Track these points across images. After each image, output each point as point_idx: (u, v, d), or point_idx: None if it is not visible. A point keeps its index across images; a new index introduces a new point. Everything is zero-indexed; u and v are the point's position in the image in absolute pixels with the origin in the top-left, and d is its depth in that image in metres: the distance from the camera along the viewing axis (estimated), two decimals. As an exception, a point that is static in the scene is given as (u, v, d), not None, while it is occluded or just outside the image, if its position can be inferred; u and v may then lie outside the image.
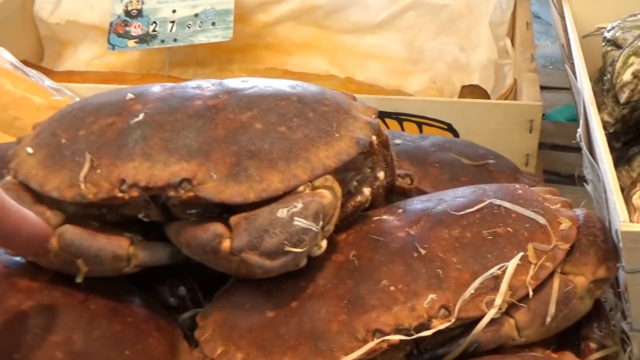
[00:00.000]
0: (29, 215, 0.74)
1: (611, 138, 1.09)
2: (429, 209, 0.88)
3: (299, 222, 0.78)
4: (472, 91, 1.48)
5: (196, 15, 1.55)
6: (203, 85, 0.89)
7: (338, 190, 0.83)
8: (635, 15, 1.17)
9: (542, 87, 1.42)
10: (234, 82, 0.90)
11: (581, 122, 1.02)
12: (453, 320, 0.79)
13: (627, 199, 0.95)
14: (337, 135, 0.84)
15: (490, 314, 0.80)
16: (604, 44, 1.16)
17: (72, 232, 0.83)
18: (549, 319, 0.81)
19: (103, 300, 0.87)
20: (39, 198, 0.84)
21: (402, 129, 1.30)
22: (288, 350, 0.80)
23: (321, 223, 0.80)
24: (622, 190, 0.92)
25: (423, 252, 0.83)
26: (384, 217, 0.89)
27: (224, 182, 0.80)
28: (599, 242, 0.86)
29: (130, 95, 0.88)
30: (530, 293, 0.81)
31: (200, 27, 1.54)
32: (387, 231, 0.86)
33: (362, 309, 0.80)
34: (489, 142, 1.16)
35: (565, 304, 0.82)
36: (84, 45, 1.68)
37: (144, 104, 0.87)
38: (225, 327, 0.84)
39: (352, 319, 0.80)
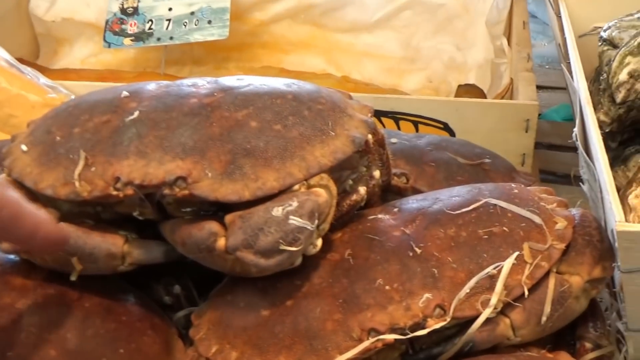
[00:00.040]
0: (45, 219, 0.75)
1: (607, 138, 1.09)
2: (424, 208, 0.88)
3: (294, 220, 0.78)
4: (469, 90, 1.48)
5: (192, 13, 1.55)
6: (198, 83, 0.89)
7: (333, 188, 0.83)
8: (631, 14, 1.17)
9: (539, 87, 1.42)
10: (229, 80, 0.90)
11: (577, 121, 1.02)
12: (448, 319, 0.79)
13: (623, 198, 0.95)
14: (333, 133, 0.84)
15: (486, 313, 0.80)
16: (600, 43, 1.16)
17: (67, 230, 0.82)
18: (544, 319, 0.81)
19: (97, 299, 0.87)
20: (33, 196, 0.84)
21: (398, 128, 1.30)
22: (283, 349, 0.80)
23: (316, 222, 0.79)
24: (618, 190, 0.92)
25: (418, 251, 0.83)
26: (380, 216, 0.89)
27: (219, 181, 0.80)
28: (595, 241, 0.86)
29: (125, 93, 0.88)
30: (526, 292, 0.81)
31: (196, 25, 1.54)
32: (382, 230, 0.86)
33: (357, 308, 0.80)
34: (485, 142, 1.16)
35: (561, 304, 0.82)
36: (79, 43, 1.68)
37: (139, 102, 0.86)
38: (220, 325, 0.84)
39: (347, 318, 0.80)
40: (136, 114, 0.85)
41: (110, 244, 0.83)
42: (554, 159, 1.47)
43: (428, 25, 1.64)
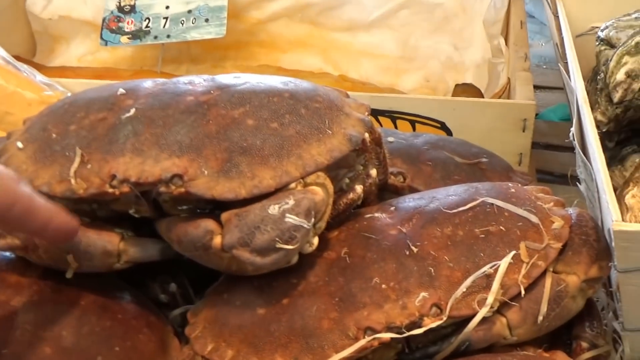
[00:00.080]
0: (57, 210, 0.76)
1: (604, 137, 1.09)
2: (421, 207, 0.88)
3: (291, 218, 0.77)
4: (466, 90, 1.48)
5: (189, 11, 1.55)
6: (195, 81, 0.89)
7: (330, 187, 0.83)
8: (629, 14, 1.17)
9: (536, 87, 1.42)
10: (226, 78, 0.90)
11: (574, 121, 1.02)
12: (444, 318, 0.79)
13: (620, 198, 0.95)
14: (330, 132, 0.84)
15: (482, 312, 0.79)
16: (597, 43, 1.16)
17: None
18: (540, 318, 0.81)
19: (93, 296, 0.87)
20: None
21: (396, 127, 1.30)
22: (279, 347, 0.80)
23: (313, 220, 0.79)
24: (615, 189, 0.92)
25: (415, 250, 0.83)
26: (376, 214, 0.89)
27: (215, 178, 0.80)
28: (592, 241, 0.86)
29: (121, 91, 0.88)
30: (522, 292, 0.81)
31: (193, 23, 1.54)
32: (379, 229, 0.86)
33: (353, 306, 0.80)
34: (482, 141, 1.16)
35: (557, 303, 0.82)
36: (76, 41, 1.67)
37: (136, 99, 0.86)
38: (216, 324, 0.84)
39: (344, 316, 0.80)
40: (132, 111, 0.85)
41: (106, 242, 0.83)
42: (551, 158, 1.47)
43: (425, 25, 1.64)
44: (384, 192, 0.99)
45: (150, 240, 0.85)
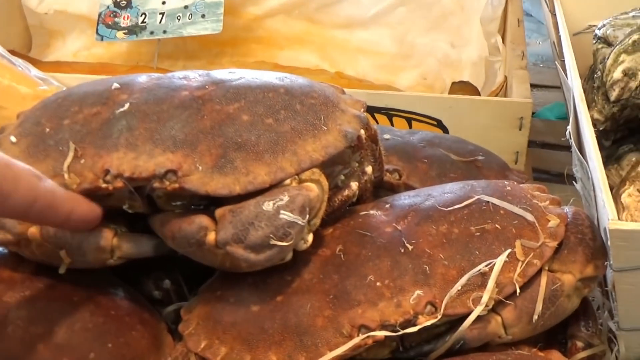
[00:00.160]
0: (79, 200, 0.79)
1: (601, 136, 1.08)
2: (416, 205, 0.88)
3: (285, 215, 0.77)
4: (463, 88, 1.48)
5: (186, 7, 1.54)
6: (190, 76, 0.89)
7: (325, 183, 0.82)
8: (626, 12, 1.16)
9: (533, 85, 1.41)
10: (221, 73, 0.89)
11: (571, 119, 1.01)
12: (439, 316, 0.79)
13: (616, 197, 0.95)
14: (325, 128, 0.84)
15: (477, 311, 0.79)
16: (594, 41, 1.15)
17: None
18: (535, 317, 0.81)
19: (86, 293, 0.86)
20: None
21: (392, 124, 1.29)
22: (272, 344, 0.79)
23: (307, 217, 0.79)
24: (612, 188, 0.92)
25: (410, 247, 0.82)
26: (372, 211, 0.88)
27: (209, 174, 0.79)
28: (587, 240, 0.86)
29: (116, 85, 0.88)
30: (518, 290, 0.80)
31: (190, 19, 1.53)
32: (374, 226, 0.86)
33: (347, 304, 0.80)
34: (479, 139, 1.16)
35: (553, 302, 0.82)
36: (72, 36, 1.67)
37: (130, 94, 0.86)
38: (210, 321, 0.84)
39: (338, 314, 0.80)
40: (127, 106, 0.84)
41: (100, 237, 0.82)
42: (548, 157, 1.47)
43: (423, 22, 1.63)
44: (380, 189, 0.99)
45: (144, 236, 0.85)
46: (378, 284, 0.80)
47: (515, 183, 0.93)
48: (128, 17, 1.55)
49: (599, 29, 1.16)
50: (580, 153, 0.96)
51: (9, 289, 0.84)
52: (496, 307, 0.80)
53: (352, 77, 1.55)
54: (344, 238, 0.85)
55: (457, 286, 0.80)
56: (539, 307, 0.81)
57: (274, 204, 0.77)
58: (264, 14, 1.65)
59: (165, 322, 0.90)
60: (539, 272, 0.82)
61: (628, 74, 1.02)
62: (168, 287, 0.92)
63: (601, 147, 0.95)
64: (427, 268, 0.81)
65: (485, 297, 0.79)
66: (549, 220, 0.86)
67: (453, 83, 1.51)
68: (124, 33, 1.54)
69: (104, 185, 0.80)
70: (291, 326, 0.80)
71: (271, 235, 0.77)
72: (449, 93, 1.47)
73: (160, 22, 1.54)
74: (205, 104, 0.84)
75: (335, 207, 0.86)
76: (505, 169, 1.11)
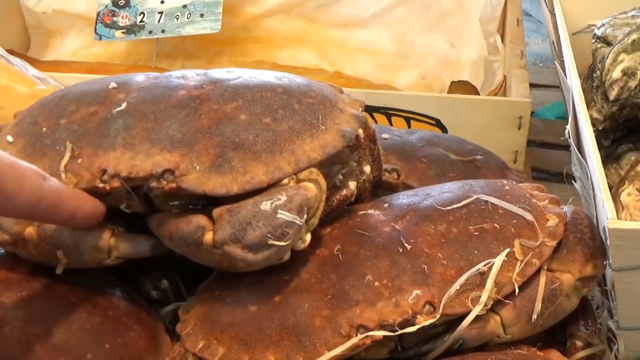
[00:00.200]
0: (83, 197, 0.79)
1: (600, 136, 1.08)
2: (415, 204, 0.87)
3: (283, 215, 0.77)
4: (462, 87, 1.47)
5: (185, 6, 1.54)
6: (187, 75, 0.88)
7: (323, 183, 0.82)
8: (625, 12, 1.16)
9: (532, 85, 1.41)
10: (218, 73, 0.89)
11: (570, 119, 1.01)
12: (438, 316, 0.79)
13: (615, 196, 0.95)
14: (323, 127, 0.83)
15: (476, 310, 0.79)
16: (594, 40, 1.15)
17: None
18: (535, 317, 0.81)
19: (83, 293, 0.86)
20: None
21: (391, 124, 1.29)
22: (270, 345, 0.79)
23: (305, 216, 0.79)
24: (611, 188, 0.91)
25: (408, 247, 0.82)
26: (370, 211, 0.88)
27: (206, 174, 0.79)
28: (587, 239, 0.86)
29: (113, 84, 0.87)
30: (517, 290, 0.80)
31: (188, 18, 1.53)
32: (372, 226, 0.85)
33: (346, 304, 0.80)
34: (478, 138, 1.16)
35: (552, 302, 0.82)
36: (70, 35, 1.66)
37: (127, 93, 0.85)
38: (207, 321, 0.83)
39: (336, 314, 0.79)
40: (124, 105, 0.84)
41: (97, 237, 0.82)
42: (547, 157, 1.47)
43: (422, 22, 1.63)
44: (378, 189, 0.98)
45: (141, 236, 0.84)
46: (376, 283, 0.80)
47: (514, 182, 0.93)
48: (126, 16, 1.54)
49: (598, 28, 1.15)
50: (580, 152, 0.96)
51: (6, 289, 0.84)
52: (495, 306, 0.80)
53: (351, 77, 1.55)
54: (342, 238, 0.85)
55: (456, 286, 0.79)
56: (538, 306, 0.81)
57: (271, 203, 0.77)
58: (263, 14, 1.65)
59: (163, 322, 0.90)
60: (538, 272, 0.82)
61: (627, 73, 1.02)
62: (166, 287, 0.92)
63: (600, 146, 0.95)
64: (426, 268, 0.81)
65: (484, 297, 0.79)
66: (548, 220, 0.86)
67: (452, 82, 1.51)
68: (123, 32, 1.54)
69: (101, 185, 0.80)
70: (289, 326, 0.80)
71: (269, 235, 0.77)
72: (448, 92, 1.47)
73: (158, 21, 1.54)
74: (202, 103, 0.83)
75: (334, 206, 0.86)
76: (504, 168, 1.11)
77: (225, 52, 1.66)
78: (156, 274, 0.92)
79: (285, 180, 0.80)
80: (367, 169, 0.91)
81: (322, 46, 1.66)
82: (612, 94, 1.03)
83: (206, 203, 0.81)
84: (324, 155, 0.82)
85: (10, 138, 0.86)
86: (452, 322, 0.80)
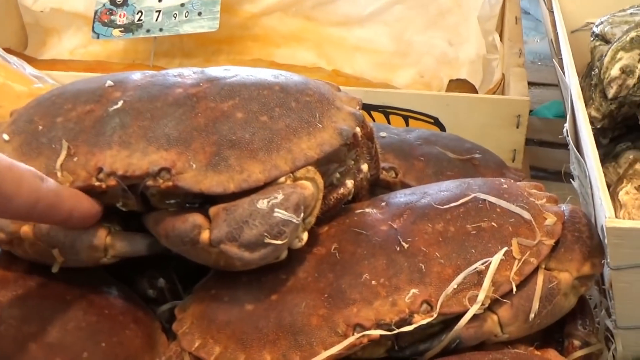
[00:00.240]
0: (80, 198, 0.79)
1: (598, 134, 1.08)
2: (412, 203, 0.87)
3: (280, 213, 0.76)
4: (460, 85, 1.47)
5: (182, 5, 1.53)
6: (184, 74, 0.88)
7: (320, 181, 0.82)
8: (624, 10, 1.16)
9: (531, 83, 1.41)
10: (215, 71, 0.89)
11: (568, 117, 1.01)
12: (435, 315, 0.78)
13: (614, 195, 0.95)
14: (320, 125, 0.83)
15: (473, 309, 0.79)
16: (592, 38, 1.15)
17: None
18: (532, 316, 0.80)
19: (79, 292, 0.86)
20: None
21: (389, 122, 1.29)
22: (267, 343, 0.79)
23: (302, 215, 0.78)
24: (609, 186, 0.91)
25: (406, 246, 0.82)
26: (367, 210, 0.88)
27: (203, 172, 0.79)
28: (584, 238, 0.85)
29: (109, 83, 0.87)
30: (514, 289, 0.80)
31: (186, 17, 1.53)
32: (369, 224, 0.85)
33: (342, 303, 0.79)
34: (476, 137, 1.15)
35: (549, 301, 0.81)
36: (68, 34, 1.66)
37: (124, 92, 0.85)
38: (204, 320, 0.83)
39: (333, 313, 0.79)
40: (120, 103, 0.84)
41: (93, 236, 0.82)
42: (545, 155, 1.47)
43: (420, 20, 1.63)
44: (376, 187, 0.98)
45: (138, 235, 0.84)
46: (373, 282, 0.80)
47: (512, 181, 0.93)
48: (124, 15, 1.54)
49: (597, 26, 1.15)
50: (578, 151, 0.96)
51: (2, 288, 0.84)
52: (492, 305, 0.80)
53: (349, 75, 1.54)
54: (339, 236, 0.85)
55: (453, 285, 0.79)
56: (535, 305, 0.81)
57: (268, 202, 0.77)
58: (261, 12, 1.65)
59: (160, 321, 0.90)
60: (535, 271, 0.82)
61: (626, 71, 1.02)
62: (162, 286, 0.91)
63: (598, 145, 0.95)
64: (423, 266, 0.80)
65: (481, 296, 0.79)
66: (546, 219, 0.85)
67: (450, 81, 1.51)
68: (120, 31, 1.54)
69: (97, 184, 0.80)
70: (286, 325, 0.79)
71: (265, 234, 0.76)
72: (446, 91, 1.47)
73: (156, 20, 1.53)
74: (199, 101, 0.83)
75: (331, 205, 0.86)
76: (502, 166, 1.11)
77: (223, 50, 1.65)
78: (153, 273, 0.92)
79: (282, 179, 0.79)
80: (364, 167, 0.90)
81: (320, 44, 1.65)
82: (611, 92, 1.03)
83: (203, 201, 0.81)
84: (321, 154, 0.82)
85: (6, 136, 0.85)
86: (449, 321, 0.80)
